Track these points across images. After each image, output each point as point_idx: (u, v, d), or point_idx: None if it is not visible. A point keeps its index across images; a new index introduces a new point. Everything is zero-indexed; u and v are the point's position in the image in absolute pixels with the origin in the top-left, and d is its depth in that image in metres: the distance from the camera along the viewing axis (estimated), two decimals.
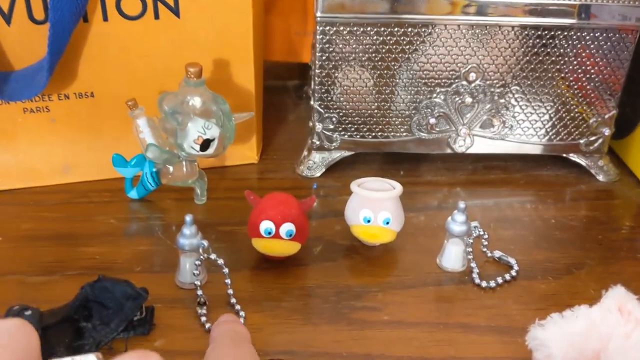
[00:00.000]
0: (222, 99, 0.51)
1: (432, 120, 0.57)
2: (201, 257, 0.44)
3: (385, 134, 0.58)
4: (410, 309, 0.44)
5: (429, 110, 0.57)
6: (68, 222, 0.52)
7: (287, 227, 0.45)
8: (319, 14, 0.53)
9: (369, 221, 0.46)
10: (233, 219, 0.53)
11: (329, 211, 0.54)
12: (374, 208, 0.46)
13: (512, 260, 0.48)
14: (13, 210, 0.53)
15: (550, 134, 0.59)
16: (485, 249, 0.48)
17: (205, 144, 0.50)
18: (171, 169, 0.53)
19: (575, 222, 0.54)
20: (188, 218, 0.44)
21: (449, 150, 0.59)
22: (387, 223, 0.46)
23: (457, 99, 0.56)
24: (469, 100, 0.56)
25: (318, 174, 0.59)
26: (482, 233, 0.47)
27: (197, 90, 0.50)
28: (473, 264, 0.46)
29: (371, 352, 0.40)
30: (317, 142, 0.58)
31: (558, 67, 0.55)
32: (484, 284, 0.46)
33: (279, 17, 0.68)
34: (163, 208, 0.54)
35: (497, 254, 0.48)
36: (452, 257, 0.47)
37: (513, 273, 0.47)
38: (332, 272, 0.47)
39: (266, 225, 0.45)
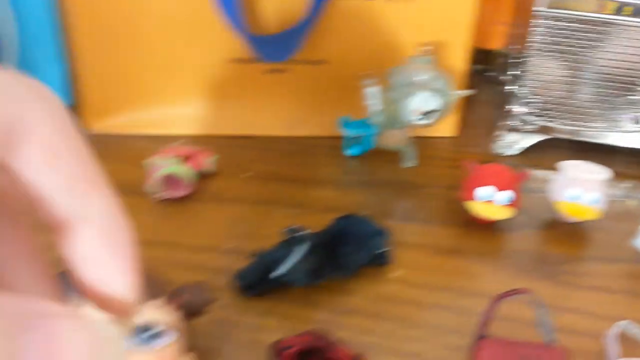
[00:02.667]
0: (444, 76, 0.58)
1: (632, 116, 0.61)
2: None
3: (582, 124, 0.63)
4: (607, 279, 0.50)
5: (630, 106, 0.61)
6: (298, 168, 0.61)
7: (507, 194, 0.51)
8: (540, 8, 0.58)
9: (575, 199, 0.52)
10: (435, 182, 0.60)
11: (526, 187, 0.60)
12: (584, 188, 0.52)
13: None
14: (252, 153, 0.63)
15: None
16: None
17: (425, 115, 0.58)
18: (389, 133, 0.61)
19: None
20: None
21: None
22: (594, 203, 0.52)
23: None
24: None
25: (512, 154, 0.65)
26: None
27: (424, 66, 0.57)
28: None
29: (578, 308, 0.46)
30: (514, 124, 0.64)
31: None
32: None
33: (482, 6, 0.74)
34: (374, 165, 0.62)
35: None
36: None
37: None
38: (534, 239, 0.53)
39: (486, 190, 0.51)
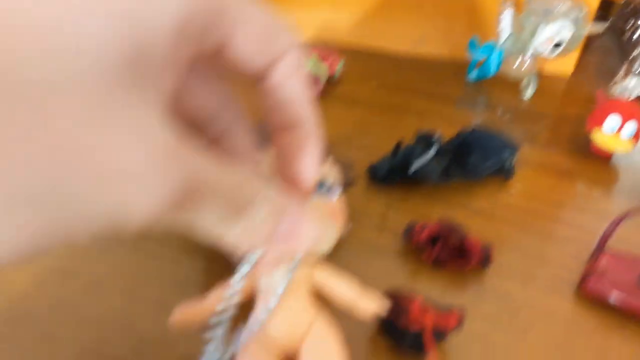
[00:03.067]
0: (582, 8, 0.59)
1: None
2: None
3: None
4: None
5: None
6: (422, 83, 0.63)
7: (632, 125, 0.52)
8: None
9: None
10: (555, 113, 0.62)
11: None
12: None
13: None
14: (378, 65, 0.66)
15: None
16: None
17: (556, 46, 0.59)
18: (515, 61, 0.62)
19: None
20: None
21: None
22: None
23: None
24: None
25: (630, 97, 0.65)
26: None
27: None
28: None
29: None
30: (635, 69, 0.65)
31: None
32: None
33: None
34: (495, 92, 0.64)
35: None
36: None
37: None
38: None
39: (613, 119, 0.53)
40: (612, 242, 0.45)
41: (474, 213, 0.48)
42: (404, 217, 0.46)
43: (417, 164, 0.48)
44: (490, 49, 0.63)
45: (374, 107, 0.59)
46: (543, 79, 0.67)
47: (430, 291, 0.40)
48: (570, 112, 0.61)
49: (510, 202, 0.50)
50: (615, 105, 0.54)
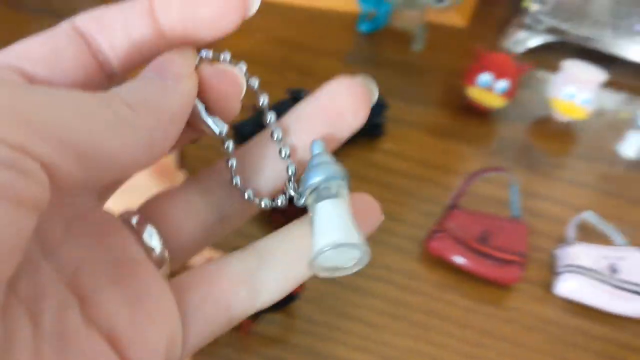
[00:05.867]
0: None
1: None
2: None
3: (593, 30, 0.63)
4: (583, 175, 0.53)
5: (636, 17, 0.61)
6: (311, 38, 0.62)
7: (503, 83, 0.53)
8: None
9: (570, 97, 0.54)
10: (441, 68, 0.62)
11: (525, 84, 0.62)
12: (579, 87, 0.54)
13: None
14: (269, 18, 0.64)
15: None
16: None
17: None
18: (404, 13, 0.62)
19: None
20: None
21: None
22: (586, 103, 0.54)
23: None
24: None
25: (519, 51, 0.66)
26: None
27: None
28: None
29: (551, 195, 0.50)
30: (526, 22, 0.65)
31: None
32: None
33: None
34: (384, 44, 0.64)
35: None
36: (632, 145, 0.54)
37: None
38: (525, 132, 0.56)
39: (486, 77, 0.53)
40: (474, 199, 0.46)
41: None
42: None
43: None
44: (380, 1, 0.62)
45: (255, 63, 0.58)
46: (436, 31, 0.67)
47: None
48: (457, 67, 0.61)
49: (379, 162, 0.51)
50: (487, 62, 0.54)
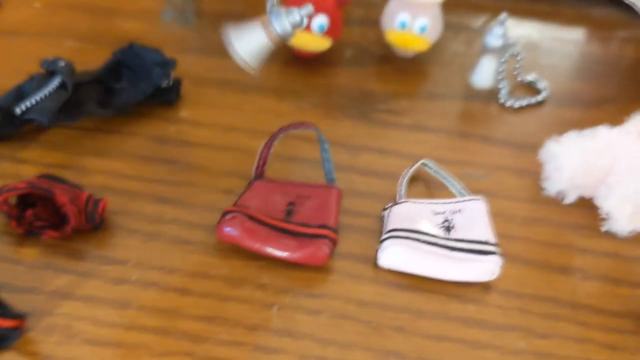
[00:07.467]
0: None
1: None
2: None
3: None
4: (433, 117, 0.44)
5: None
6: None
7: (320, 20, 0.44)
8: None
9: (404, 26, 0.45)
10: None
11: (368, 19, 0.53)
12: (413, 12, 0.45)
13: (543, 85, 0.47)
14: None
15: None
16: (517, 72, 0.47)
17: None
18: None
19: (617, 59, 0.52)
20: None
21: None
22: (423, 30, 0.45)
23: None
24: None
25: None
26: (518, 53, 0.46)
27: None
28: (503, 84, 0.46)
29: (386, 147, 0.41)
30: None
31: None
32: (509, 103, 0.45)
33: None
34: None
35: (530, 77, 0.47)
36: (484, 73, 0.46)
37: (540, 98, 0.46)
38: (360, 76, 0.47)
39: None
40: (284, 165, 0.37)
41: (115, 157, 0.39)
42: (9, 175, 0.37)
43: (25, 104, 0.37)
44: None
45: (33, 35, 0.47)
46: None
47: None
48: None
49: (173, 134, 0.41)
50: None
